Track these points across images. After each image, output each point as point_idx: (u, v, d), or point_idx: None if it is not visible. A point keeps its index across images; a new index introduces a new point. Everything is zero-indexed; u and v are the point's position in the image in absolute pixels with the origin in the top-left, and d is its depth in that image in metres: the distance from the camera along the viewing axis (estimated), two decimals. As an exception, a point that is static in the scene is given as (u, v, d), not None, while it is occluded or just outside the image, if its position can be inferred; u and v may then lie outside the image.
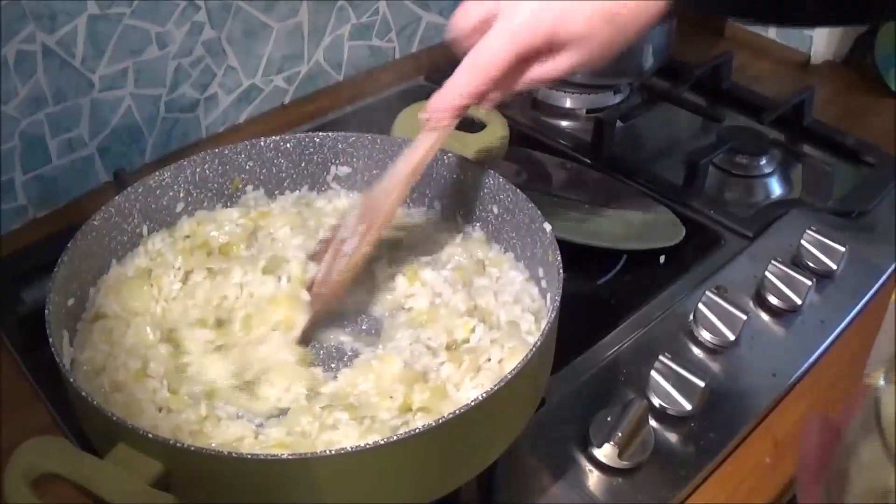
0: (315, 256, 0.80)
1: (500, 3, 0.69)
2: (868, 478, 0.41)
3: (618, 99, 1.28)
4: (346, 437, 0.65)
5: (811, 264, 0.97)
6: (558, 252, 0.73)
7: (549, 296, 0.76)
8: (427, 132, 0.77)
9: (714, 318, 0.87)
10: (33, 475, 0.57)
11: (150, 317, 0.76)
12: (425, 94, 1.24)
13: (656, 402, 0.80)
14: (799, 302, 0.91)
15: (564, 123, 1.24)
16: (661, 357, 0.81)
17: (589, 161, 1.14)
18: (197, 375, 0.72)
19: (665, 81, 1.30)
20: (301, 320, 0.76)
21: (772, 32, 1.46)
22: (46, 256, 0.77)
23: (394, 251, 0.83)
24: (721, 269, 0.98)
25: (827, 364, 0.89)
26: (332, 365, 0.75)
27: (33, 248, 0.99)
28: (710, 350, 0.87)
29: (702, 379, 0.79)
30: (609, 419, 0.77)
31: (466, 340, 0.73)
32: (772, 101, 1.26)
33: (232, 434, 0.66)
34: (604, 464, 0.75)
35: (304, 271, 0.79)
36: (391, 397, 0.69)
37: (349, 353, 0.76)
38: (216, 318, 0.76)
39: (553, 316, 0.67)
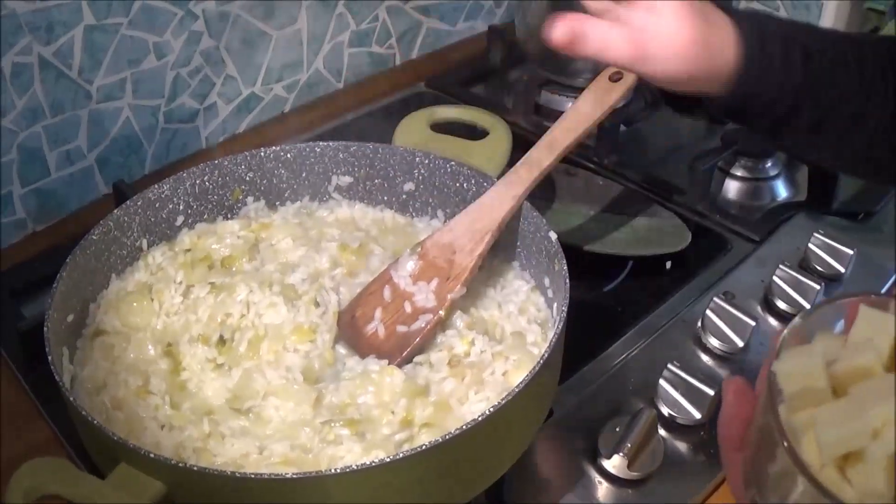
0: (364, 303, 0.77)
1: None
2: (781, 464, 0.41)
3: (621, 103, 1.27)
4: (350, 451, 0.64)
5: (819, 268, 0.96)
6: (564, 261, 0.72)
7: (555, 306, 0.75)
8: (511, 184, 0.77)
9: (722, 324, 0.86)
10: (34, 496, 0.57)
11: (150, 332, 0.75)
12: (426, 101, 1.26)
13: (665, 411, 0.79)
14: (808, 306, 0.90)
15: (567, 128, 1.23)
16: (669, 365, 0.80)
17: (592, 166, 1.13)
18: (196, 392, 0.71)
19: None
20: (318, 352, 0.74)
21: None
22: (46, 270, 0.77)
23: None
24: (728, 274, 0.96)
25: (837, 369, 0.88)
26: (332, 376, 0.73)
27: (33, 262, 0.98)
28: (719, 357, 0.86)
29: (711, 387, 0.78)
30: (618, 429, 0.75)
31: (467, 354, 0.72)
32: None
33: (236, 451, 0.65)
34: (613, 475, 0.74)
35: (317, 300, 0.76)
36: (392, 412, 0.68)
37: (348, 365, 0.75)
38: (219, 335, 0.74)
39: (560, 327, 0.66)
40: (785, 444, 0.39)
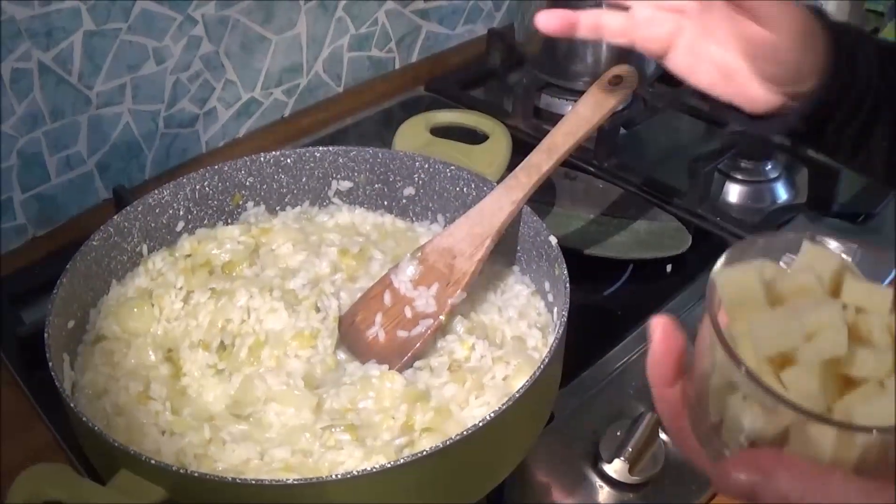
0: (364, 307, 0.77)
1: None
2: (719, 374, 0.41)
3: (621, 106, 1.27)
4: (351, 456, 0.64)
5: (819, 270, 0.95)
6: (564, 266, 0.72)
7: (555, 310, 0.75)
8: (511, 188, 0.77)
9: (723, 327, 0.86)
10: (35, 502, 0.57)
11: (151, 338, 0.75)
12: (426, 105, 1.26)
13: (666, 414, 0.79)
14: (808, 309, 0.90)
15: (567, 131, 1.23)
16: (670, 369, 0.80)
17: (592, 169, 1.13)
18: (196, 398, 0.71)
19: (667, 87, 1.29)
20: (319, 357, 0.74)
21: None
22: (47, 276, 0.77)
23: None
24: (728, 276, 0.96)
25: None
26: (332, 382, 0.73)
27: (33, 267, 0.98)
28: (720, 360, 0.86)
29: (712, 390, 0.78)
30: (619, 434, 0.76)
31: (468, 359, 0.72)
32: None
33: (237, 457, 0.65)
34: (614, 479, 0.74)
35: (317, 306, 0.76)
36: (393, 417, 0.68)
37: (349, 370, 0.75)
38: (220, 341, 0.74)
39: (561, 331, 0.66)
40: (721, 345, 0.39)
